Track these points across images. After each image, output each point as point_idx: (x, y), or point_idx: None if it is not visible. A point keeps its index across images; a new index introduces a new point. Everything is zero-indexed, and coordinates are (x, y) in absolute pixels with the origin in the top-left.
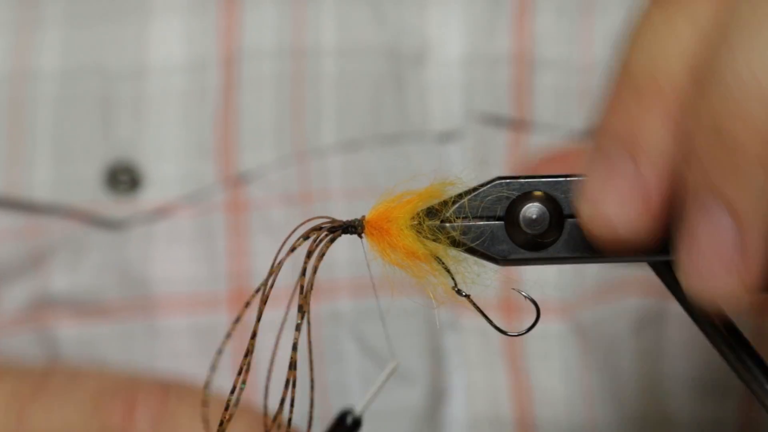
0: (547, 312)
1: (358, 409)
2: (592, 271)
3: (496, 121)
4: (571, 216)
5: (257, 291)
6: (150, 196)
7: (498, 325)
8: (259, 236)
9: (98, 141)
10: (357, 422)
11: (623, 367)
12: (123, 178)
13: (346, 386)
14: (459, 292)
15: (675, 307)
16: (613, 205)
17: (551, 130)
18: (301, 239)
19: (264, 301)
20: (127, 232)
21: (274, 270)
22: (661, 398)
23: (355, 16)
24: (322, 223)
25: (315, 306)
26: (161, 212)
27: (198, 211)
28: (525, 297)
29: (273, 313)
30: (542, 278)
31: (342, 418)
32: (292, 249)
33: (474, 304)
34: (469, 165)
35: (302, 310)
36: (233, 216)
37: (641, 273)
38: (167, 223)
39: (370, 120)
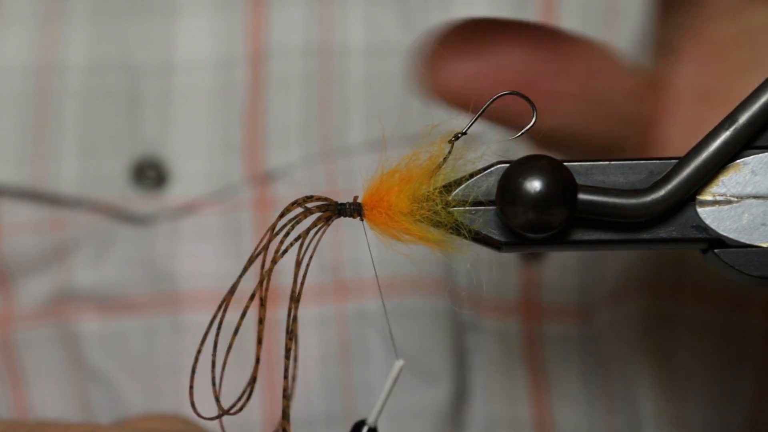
0: (567, 315)
1: (370, 420)
2: (612, 272)
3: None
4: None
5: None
6: (176, 192)
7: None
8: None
9: (125, 136)
10: None
11: (638, 369)
12: (149, 174)
13: (372, 386)
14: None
15: (687, 309)
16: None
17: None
18: (292, 221)
19: (230, 293)
20: (153, 227)
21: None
22: (675, 401)
23: (382, 17)
24: (305, 200)
25: (342, 305)
26: (188, 208)
27: (225, 208)
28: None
29: (305, 310)
30: (563, 283)
31: (356, 430)
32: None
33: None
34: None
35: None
36: (260, 213)
37: (655, 274)
38: (194, 219)
39: (397, 120)
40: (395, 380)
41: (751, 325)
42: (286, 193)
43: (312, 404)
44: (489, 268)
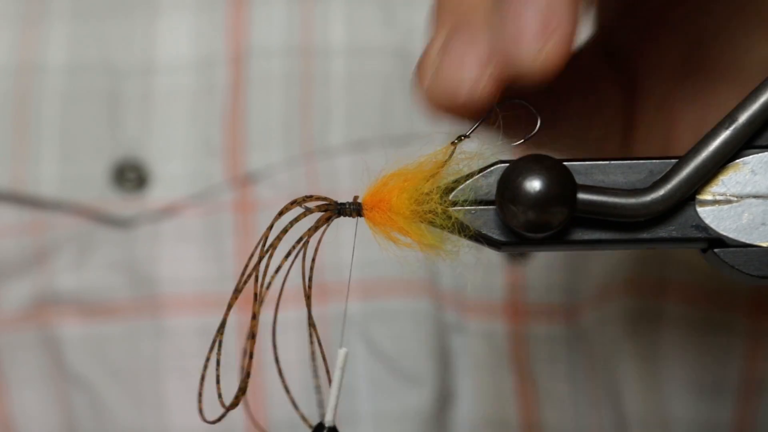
0: (553, 315)
1: (327, 419)
2: (597, 271)
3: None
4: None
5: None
6: (157, 194)
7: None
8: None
9: (105, 138)
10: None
11: (622, 368)
12: (130, 176)
13: (355, 388)
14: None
15: (671, 307)
16: (466, 68)
17: None
18: (292, 220)
19: (234, 298)
20: (134, 230)
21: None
22: (659, 399)
23: (364, 16)
24: (304, 199)
25: (323, 307)
26: (169, 211)
27: (206, 210)
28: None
29: (286, 314)
30: (549, 283)
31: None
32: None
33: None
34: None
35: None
36: (241, 216)
37: (640, 272)
38: (175, 222)
39: (379, 120)
40: (342, 370)
41: (734, 321)
42: (268, 194)
43: (292, 408)
44: (474, 270)
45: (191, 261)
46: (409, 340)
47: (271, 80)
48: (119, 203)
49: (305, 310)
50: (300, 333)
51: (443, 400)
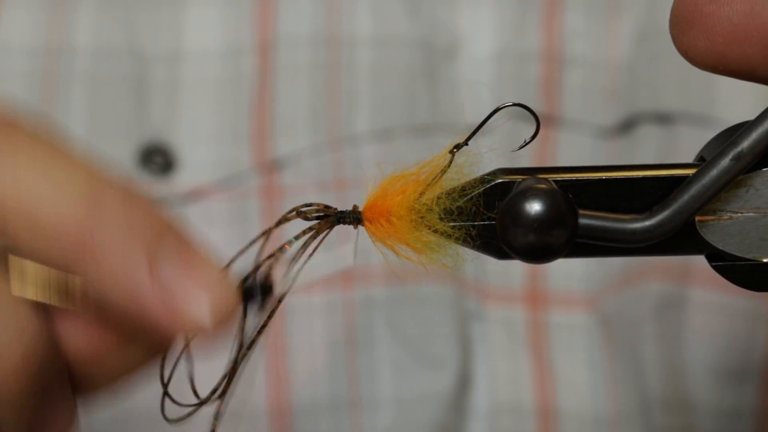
0: (573, 304)
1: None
2: (617, 258)
3: (525, 116)
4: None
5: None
6: (183, 178)
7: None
8: (294, 222)
9: (132, 121)
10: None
11: (645, 354)
12: (157, 160)
13: (377, 373)
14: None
15: (695, 292)
16: None
17: (579, 127)
18: (294, 237)
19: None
20: None
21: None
22: (682, 384)
23: (388, 9)
24: (304, 209)
25: (349, 292)
26: (195, 195)
27: (232, 195)
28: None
29: (311, 298)
30: (568, 271)
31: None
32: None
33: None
34: (495, 157)
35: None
36: (268, 202)
37: (663, 258)
38: (201, 206)
39: (403, 111)
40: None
41: (760, 307)
42: (294, 181)
43: (318, 391)
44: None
45: (218, 246)
46: (431, 325)
47: (297, 69)
48: (145, 186)
49: (331, 294)
50: (326, 317)
51: (462, 385)
